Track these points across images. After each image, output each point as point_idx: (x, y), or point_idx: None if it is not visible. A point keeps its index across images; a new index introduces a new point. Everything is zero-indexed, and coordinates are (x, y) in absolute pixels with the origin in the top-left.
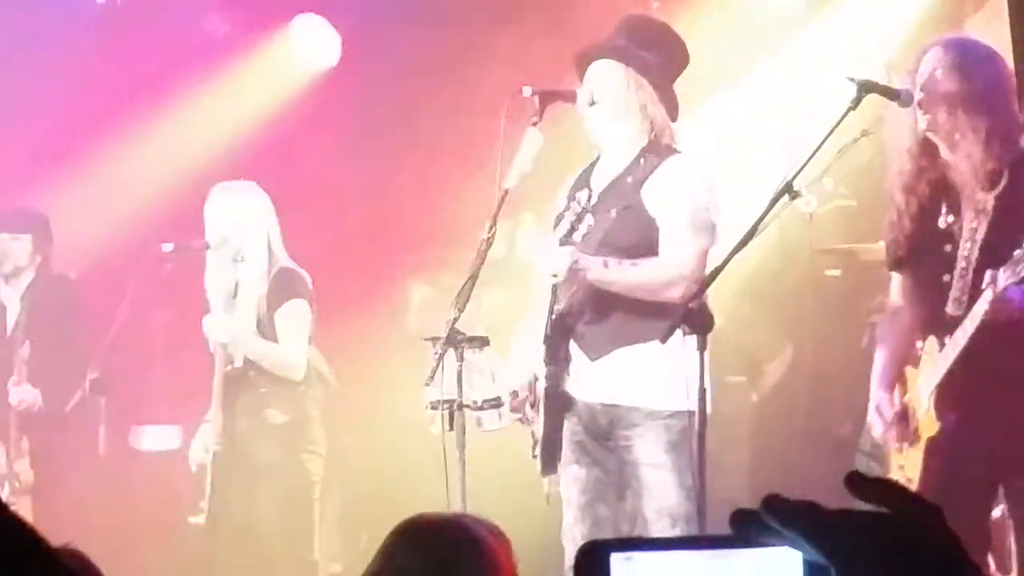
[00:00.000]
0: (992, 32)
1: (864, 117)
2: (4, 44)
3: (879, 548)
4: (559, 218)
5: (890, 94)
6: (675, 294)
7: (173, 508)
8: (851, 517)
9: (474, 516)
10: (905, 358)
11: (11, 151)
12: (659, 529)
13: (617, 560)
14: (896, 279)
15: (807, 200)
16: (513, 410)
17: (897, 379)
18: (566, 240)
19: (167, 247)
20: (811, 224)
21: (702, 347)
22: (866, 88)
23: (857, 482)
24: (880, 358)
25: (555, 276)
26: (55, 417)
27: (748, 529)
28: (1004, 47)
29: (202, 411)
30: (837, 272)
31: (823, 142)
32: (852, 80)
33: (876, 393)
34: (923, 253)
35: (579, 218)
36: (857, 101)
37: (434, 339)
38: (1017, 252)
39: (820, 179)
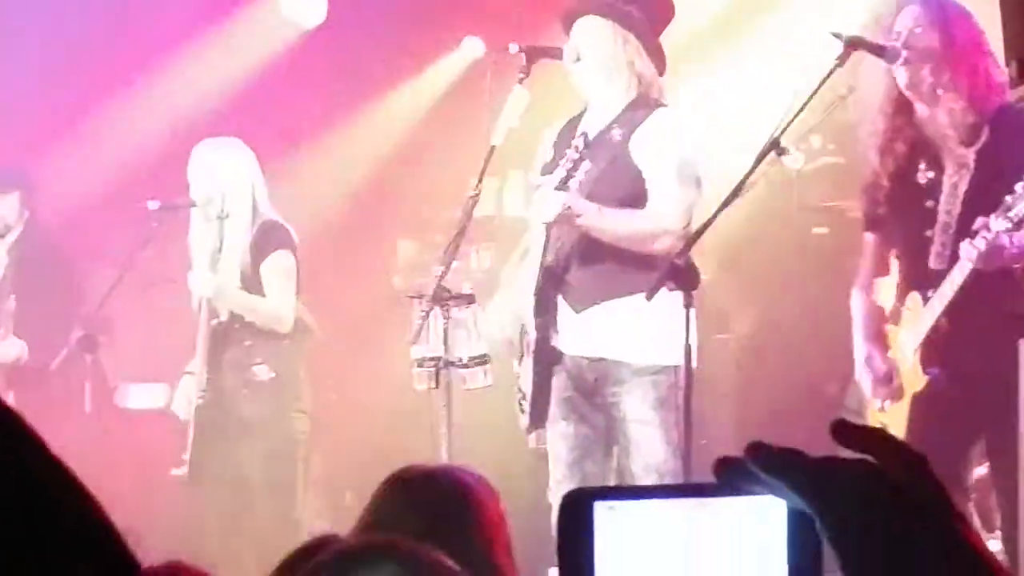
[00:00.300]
0: None
1: (852, 74)
2: None
3: (863, 496)
4: (547, 167)
5: (877, 51)
6: (660, 246)
7: (158, 464)
8: (835, 464)
9: (462, 467)
10: (884, 316)
11: None
12: None
13: (601, 508)
14: (870, 239)
15: (794, 157)
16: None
17: (879, 337)
18: (563, 185)
19: (152, 205)
20: (798, 181)
21: (688, 303)
22: (853, 44)
23: (842, 430)
24: (860, 317)
25: (544, 216)
26: (41, 372)
27: (732, 477)
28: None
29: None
30: (824, 230)
31: (809, 99)
32: (838, 36)
33: (863, 347)
34: (903, 210)
35: (576, 164)
36: (844, 58)
37: (420, 296)
38: (1008, 198)
39: (807, 136)
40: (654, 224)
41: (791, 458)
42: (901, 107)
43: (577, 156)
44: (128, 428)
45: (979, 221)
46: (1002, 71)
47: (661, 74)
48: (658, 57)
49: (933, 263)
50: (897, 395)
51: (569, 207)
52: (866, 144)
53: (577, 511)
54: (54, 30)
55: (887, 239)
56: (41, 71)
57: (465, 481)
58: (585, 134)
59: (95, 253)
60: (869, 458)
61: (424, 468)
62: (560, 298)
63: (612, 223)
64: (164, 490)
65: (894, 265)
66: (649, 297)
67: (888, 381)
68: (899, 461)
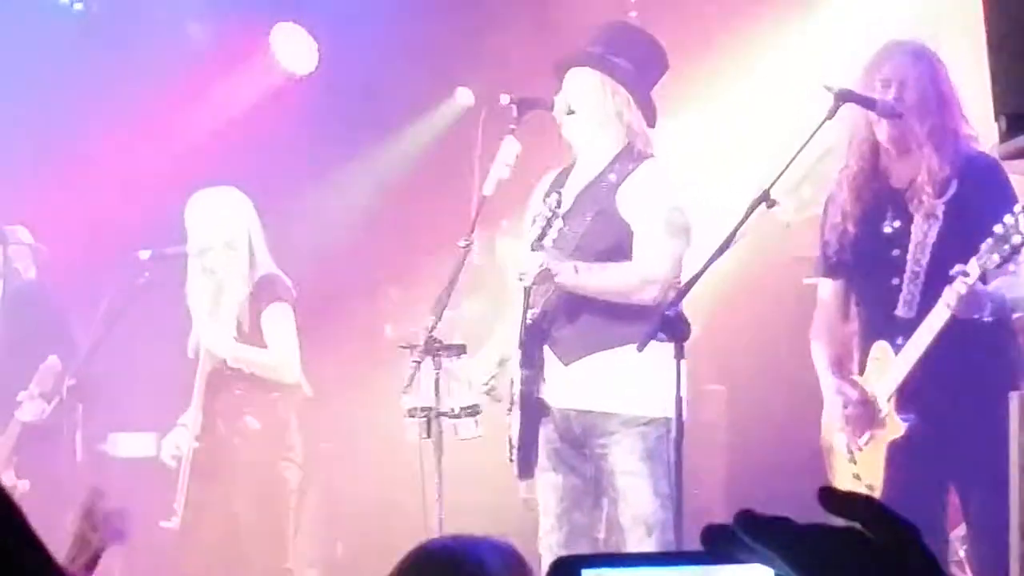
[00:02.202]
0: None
1: (842, 125)
2: None
3: (855, 568)
4: (532, 221)
5: (868, 104)
6: (647, 297)
7: (147, 514)
8: (826, 534)
9: (492, 541)
10: (847, 362)
11: None
12: (635, 537)
13: None
14: (829, 285)
15: (784, 209)
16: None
17: (846, 374)
18: (537, 244)
19: (144, 254)
20: (789, 232)
21: (679, 355)
22: (843, 97)
23: (831, 498)
24: (824, 359)
25: (522, 278)
26: (34, 424)
27: (720, 544)
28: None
29: (178, 417)
30: (814, 281)
31: (799, 151)
32: (829, 89)
33: (831, 380)
34: (868, 258)
35: (549, 222)
36: (834, 111)
37: (411, 346)
38: (985, 243)
39: (798, 187)
40: (637, 276)
41: (779, 526)
42: (874, 152)
43: (550, 214)
44: (118, 476)
45: (956, 268)
46: (967, 122)
47: (651, 126)
48: (648, 109)
49: (901, 312)
50: (876, 424)
51: (546, 267)
52: (839, 180)
53: None
54: (45, 78)
55: (849, 286)
56: (31, 119)
57: (491, 568)
58: (559, 192)
59: (86, 302)
60: (858, 526)
61: (445, 552)
62: (547, 350)
63: (590, 279)
64: (153, 538)
65: (853, 313)
66: (640, 349)
67: (862, 404)
68: (889, 530)
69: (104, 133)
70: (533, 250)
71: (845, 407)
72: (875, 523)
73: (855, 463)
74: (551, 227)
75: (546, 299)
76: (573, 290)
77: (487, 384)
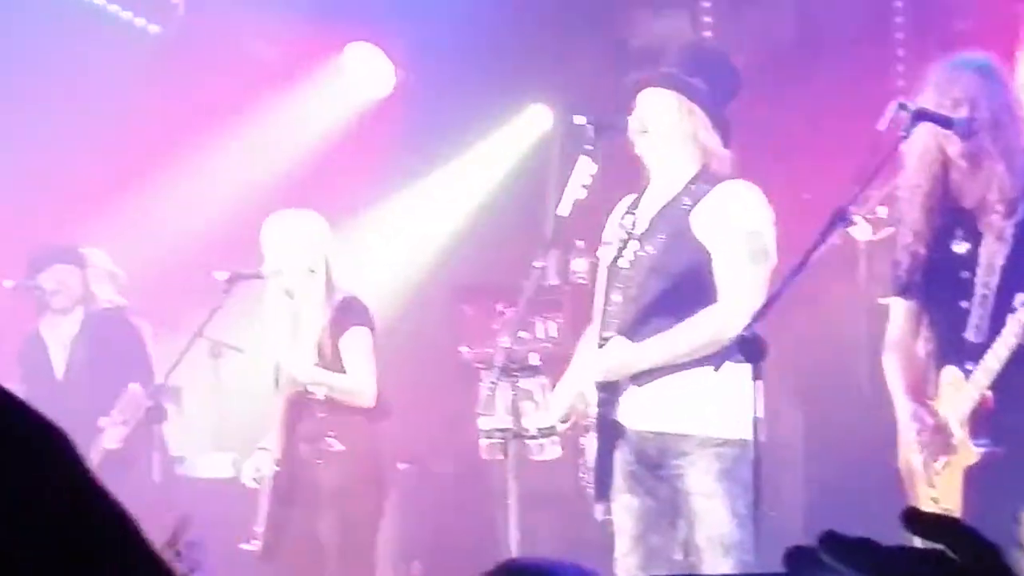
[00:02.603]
0: None
1: (913, 143)
2: (61, 75)
3: None
4: (606, 246)
5: (944, 123)
6: (737, 330)
7: (226, 535)
8: (911, 556)
9: (579, 567)
10: (922, 385)
11: (65, 184)
12: (711, 558)
13: None
14: (900, 304)
15: (861, 228)
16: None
17: (921, 396)
18: (612, 267)
19: (220, 275)
20: (865, 251)
21: (756, 376)
22: (919, 115)
23: (915, 519)
24: (899, 377)
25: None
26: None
27: (805, 567)
28: None
29: (255, 439)
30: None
31: (876, 170)
32: (904, 108)
33: (907, 404)
34: (939, 279)
35: (624, 244)
36: (909, 129)
37: (488, 367)
38: None
39: (874, 207)
40: (721, 316)
41: (865, 548)
42: (942, 170)
43: (626, 235)
44: (196, 498)
45: (1018, 297)
46: None
47: (726, 146)
48: (724, 129)
49: (971, 335)
50: (950, 450)
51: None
52: (910, 200)
53: None
54: (121, 101)
55: (920, 307)
56: (108, 144)
57: None
58: (634, 214)
59: (163, 323)
60: (941, 547)
61: (540, 564)
62: None
63: (678, 344)
64: (234, 560)
65: (924, 334)
66: (716, 370)
67: (936, 430)
68: (973, 552)
69: (179, 156)
70: (609, 271)
71: (920, 432)
72: (960, 545)
73: (933, 487)
74: (626, 248)
75: (621, 320)
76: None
77: (565, 415)
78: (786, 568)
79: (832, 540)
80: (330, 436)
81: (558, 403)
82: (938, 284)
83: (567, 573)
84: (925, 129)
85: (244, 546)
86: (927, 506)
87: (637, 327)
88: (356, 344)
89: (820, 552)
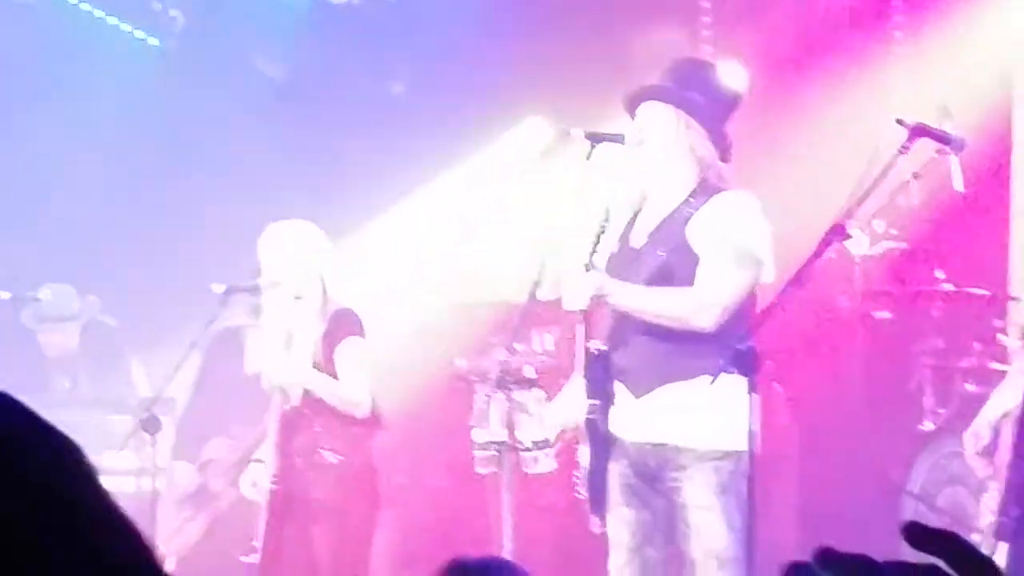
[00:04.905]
0: None
1: (917, 159)
2: (61, 87)
3: None
4: (603, 257)
5: (942, 139)
6: (704, 322)
7: (227, 550)
8: (909, 572)
9: (516, 567)
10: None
11: (64, 193)
12: (706, 572)
13: None
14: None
15: (858, 242)
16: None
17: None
18: (588, 265)
19: (218, 288)
20: (861, 265)
21: (751, 389)
22: (917, 131)
23: (915, 533)
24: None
25: (574, 299)
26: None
27: None
28: None
29: (252, 450)
30: (886, 314)
31: (873, 185)
32: (902, 124)
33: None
34: None
35: (622, 257)
36: (908, 145)
37: (483, 379)
38: None
39: (871, 221)
40: (693, 300)
41: (863, 564)
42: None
43: (600, 230)
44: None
45: None
46: None
47: (725, 160)
48: (722, 143)
49: None
50: None
51: (601, 287)
52: None
53: None
54: (120, 114)
55: None
56: (110, 152)
57: None
58: (608, 208)
59: (159, 335)
60: (940, 563)
61: (479, 562)
62: (617, 383)
63: (646, 302)
64: (233, 573)
65: None
66: (713, 382)
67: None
68: (971, 567)
69: (179, 165)
70: (586, 270)
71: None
72: (958, 560)
73: None
74: (623, 260)
75: (610, 329)
76: (627, 312)
77: (562, 428)
78: None
79: (830, 557)
80: (325, 449)
81: (554, 416)
82: None
83: (512, 572)
84: (928, 146)
85: (243, 558)
86: None
87: (630, 335)
88: (350, 355)
89: (816, 569)
